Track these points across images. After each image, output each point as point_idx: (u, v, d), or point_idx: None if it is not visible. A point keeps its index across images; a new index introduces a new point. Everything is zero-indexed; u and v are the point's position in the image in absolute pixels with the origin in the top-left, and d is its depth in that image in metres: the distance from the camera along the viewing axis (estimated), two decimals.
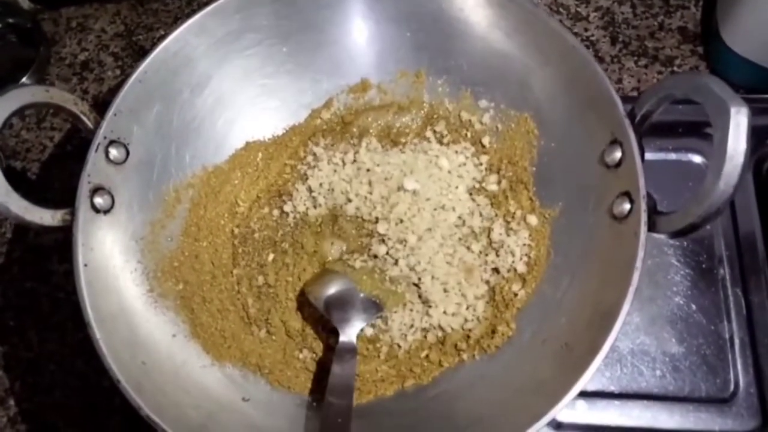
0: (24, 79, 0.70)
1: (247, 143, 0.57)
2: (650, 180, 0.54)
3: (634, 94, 0.64)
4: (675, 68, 0.65)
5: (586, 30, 0.68)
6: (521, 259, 0.51)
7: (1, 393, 0.57)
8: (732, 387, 0.51)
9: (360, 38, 0.58)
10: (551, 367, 0.44)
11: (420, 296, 0.51)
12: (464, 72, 0.56)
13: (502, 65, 0.54)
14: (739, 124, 0.37)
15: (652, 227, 0.42)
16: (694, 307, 0.53)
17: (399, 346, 0.51)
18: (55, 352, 0.58)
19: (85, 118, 0.48)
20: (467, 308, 0.51)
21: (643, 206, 0.42)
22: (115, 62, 0.72)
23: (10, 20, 0.71)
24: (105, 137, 0.48)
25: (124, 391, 0.41)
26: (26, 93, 0.45)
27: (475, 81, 0.56)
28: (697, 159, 0.58)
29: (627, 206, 0.44)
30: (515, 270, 0.51)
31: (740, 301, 0.53)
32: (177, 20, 0.52)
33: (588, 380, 0.40)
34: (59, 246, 0.62)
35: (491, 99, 0.56)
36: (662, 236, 0.43)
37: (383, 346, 0.51)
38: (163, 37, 0.52)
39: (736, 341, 0.52)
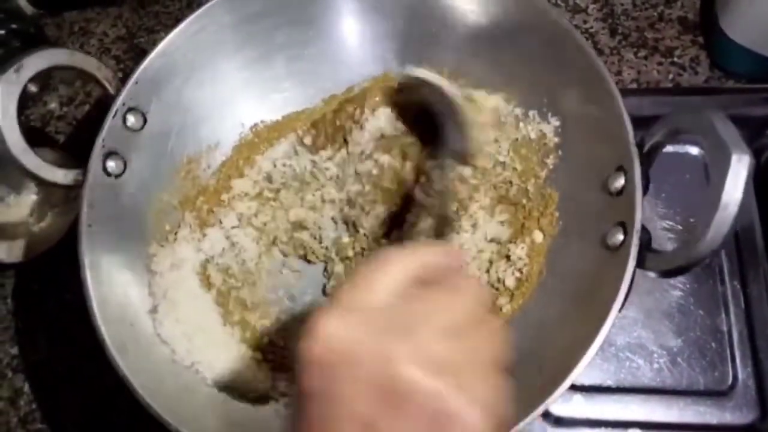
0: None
1: (262, 121, 0.59)
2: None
3: (634, 86, 0.64)
4: (675, 59, 0.64)
5: (585, 22, 0.68)
6: (513, 273, 0.51)
7: (11, 393, 0.58)
8: (730, 380, 0.51)
9: (385, 32, 0.58)
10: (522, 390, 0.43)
11: None
12: (485, 75, 0.55)
13: (527, 75, 0.53)
14: (738, 174, 0.35)
15: (641, 263, 0.40)
16: (692, 300, 0.53)
17: None
18: (62, 354, 0.59)
19: (107, 83, 0.50)
20: None
21: (636, 240, 0.41)
22: (117, 65, 0.73)
23: (14, 26, 0.72)
24: (124, 104, 0.49)
25: (132, 390, 0.42)
26: (51, 55, 0.47)
27: (497, 85, 0.55)
28: (694, 151, 0.58)
29: (620, 237, 0.42)
30: (503, 283, 0.51)
31: (738, 294, 0.53)
32: (177, 22, 0.53)
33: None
34: (65, 248, 0.63)
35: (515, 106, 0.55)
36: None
37: None
38: (186, 17, 0.53)
39: (735, 334, 0.52)
